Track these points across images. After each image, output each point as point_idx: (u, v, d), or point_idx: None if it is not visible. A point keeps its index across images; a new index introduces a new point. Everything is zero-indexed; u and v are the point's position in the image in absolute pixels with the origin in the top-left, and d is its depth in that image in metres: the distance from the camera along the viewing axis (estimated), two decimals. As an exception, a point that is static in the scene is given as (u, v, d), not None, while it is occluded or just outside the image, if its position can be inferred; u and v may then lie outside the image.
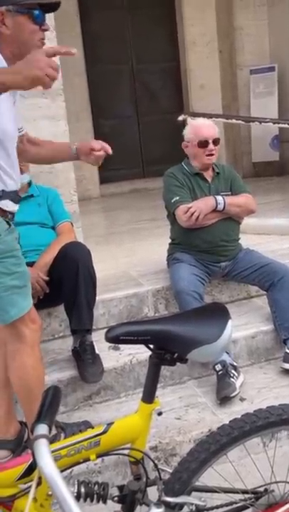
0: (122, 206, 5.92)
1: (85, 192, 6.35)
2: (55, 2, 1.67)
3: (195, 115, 4.61)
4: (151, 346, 1.32)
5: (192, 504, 1.30)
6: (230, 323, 1.33)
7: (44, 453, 0.89)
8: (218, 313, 1.36)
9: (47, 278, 2.35)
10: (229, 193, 2.81)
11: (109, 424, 1.35)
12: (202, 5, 6.65)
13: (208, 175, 2.82)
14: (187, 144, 2.81)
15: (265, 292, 2.78)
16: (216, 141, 2.73)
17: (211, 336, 1.28)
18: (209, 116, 4.17)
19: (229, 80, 7.07)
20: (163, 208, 2.88)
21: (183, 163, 2.86)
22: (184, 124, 3.09)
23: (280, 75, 6.73)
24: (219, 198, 2.69)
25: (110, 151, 1.91)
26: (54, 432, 1.96)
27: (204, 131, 2.73)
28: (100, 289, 2.52)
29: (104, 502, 1.28)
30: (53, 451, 1.19)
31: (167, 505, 1.25)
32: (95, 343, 2.41)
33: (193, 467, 1.33)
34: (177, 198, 2.70)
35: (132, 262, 3.41)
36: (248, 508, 1.41)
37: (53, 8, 1.70)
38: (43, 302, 2.37)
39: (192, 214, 2.60)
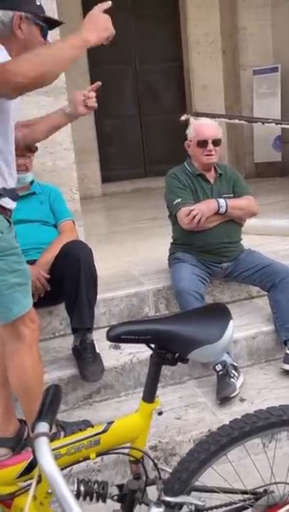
0: (124, 205, 5.92)
1: (87, 191, 6.35)
2: (60, 22, 1.80)
3: (198, 115, 4.61)
4: (153, 346, 1.32)
5: (191, 504, 1.30)
6: (231, 323, 1.33)
7: (45, 451, 0.89)
8: (219, 314, 1.36)
9: (48, 276, 2.35)
10: (231, 195, 2.80)
11: (110, 423, 1.35)
12: (206, 5, 6.65)
13: (211, 176, 2.81)
14: (189, 144, 2.81)
15: (266, 293, 2.77)
16: (216, 142, 2.72)
17: (213, 336, 1.28)
18: (212, 116, 4.18)
19: (232, 81, 7.07)
20: (164, 208, 2.88)
21: (185, 163, 2.86)
22: (186, 123, 3.09)
23: (283, 76, 6.72)
24: (221, 201, 2.69)
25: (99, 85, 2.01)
26: (54, 430, 1.97)
27: (205, 131, 2.73)
28: (101, 287, 2.52)
29: (104, 501, 1.28)
30: (53, 450, 1.19)
31: (167, 504, 1.25)
32: (95, 342, 2.41)
33: (193, 467, 1.33)
34: (179, 199, 2.69)
35: (133, 261, 3.41)
36: (247, 508, 1.41)
37: (55, 25, 1.79)
38: (44, 300, 2.37)
39: (194, 217, 2.60)
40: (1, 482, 1.27)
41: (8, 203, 1.71)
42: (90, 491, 1.26)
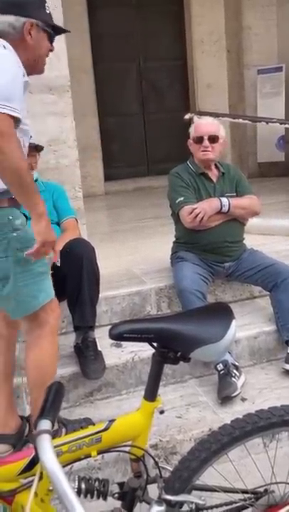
0: (126, 204, 5.92)
1: (90, 189, 6.36)
2: (66, 30, 1.92)
3: (201, 114, 4.60)
4: (155, 344, 1.32)
5: (192, 503, 1.31)
6: (234, 323, 1.33)
7: (47, 448, 0.89)
8: (222, 313, 1.36)
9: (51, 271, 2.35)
10: (234, 194, 2.80)
11: (111, 421, 1.35)
12: (210, 3, 6.64)
13: (213, 175, 2.81)
14: (191, 142, 2.81)
15: (268, 293, 2.77)
16: (212, 138, 2.71)
17: (215, 335, 1.28)
18: (216, 115, 4.17)
19: (236, 80, 7.06)
20: (167, 207, 2.88)
21: (188, 162, 2.86)
22: (190, 122, 3.10)
23: (287, 76, 6.71)
24: (224, 200, 2.68)
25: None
26: (56, 427, 1.98)
27: (201, 127, 2.74)
28: (103, 286, 2.53)
29: (105, 499, 1.28)
30: (54, 447, 1.20)
31: (167, 503, 1.25)
32: (97, 340, 2.42)
33: (194, 466, 1.33)
34: (182, 198, 2.69)
35: (135, 260, 3.41)
36: (247, 508, 1.41)
37: (60, 32, 1.89)
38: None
39: (196, 215, 2.60)
40: (3, 479, 1.27)
41: None
42: (90, 488, 1.26)
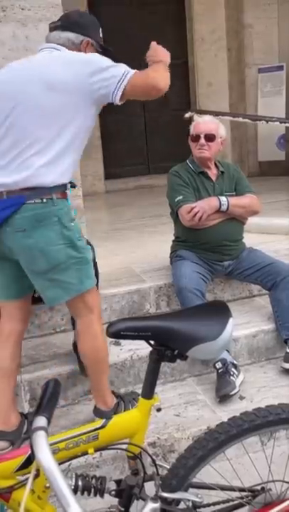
0: (127, 202, 5.92)
1: (90, 187, 6.36)
2: (111, 50, 2.11)
3: (202, 112, 4.60)
4: (152, 342, 1.32)
5: (188, 500, 1.31)
6: (231, 321, 1.33)
7: (42, 445, 0.90)
8: (219, 311, 1.37)
9: None
10: (233, 193, 2.80)
11: (109, 419, 1.36)
12: (211, 2, 6.63)
13: (213, 173, 2.81)
14: (190, 140, 2.82)
15: (267, 291, 2.77)
16: (208, 137, 2.71)
17: (212, 333, 1.28)
18: (216, 113, 4.17)
19: (237, 78, 7.05)
20: (167, 205, 2.88)
21: (188, 161, 2.86)
22: (190, 121, 3.10)
23: (288, 74, 6.71)
24: (223, 199, 2.68)
25: None
26: (115, 400, 2.15)
27: (199, 126, 2.74)
28: (103, 284, 2.53)
29: (102, 496, 1.28)
30: (51, 444, 1.20)
31: (164, 500, 1.25)
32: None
33: (191, 464, 1.33)
34: (181, 197, 2.69)
35: (135, 258, 3.41)
36: (244, 506, 1.41)
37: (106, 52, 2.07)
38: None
39: (195, 214, 2.60)
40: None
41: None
42: (88, 485, 1.27)
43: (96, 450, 1.34)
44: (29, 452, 1.25)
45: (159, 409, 1.38)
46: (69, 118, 1.82)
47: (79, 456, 1.34)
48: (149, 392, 1.36)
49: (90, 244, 2.44)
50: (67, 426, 2.15)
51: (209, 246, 2.72)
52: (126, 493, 1.32)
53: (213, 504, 1.41)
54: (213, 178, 2.80)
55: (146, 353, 2.36)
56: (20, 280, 1.98)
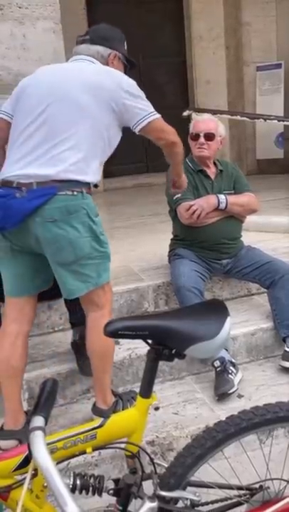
0: (125, 201, 5.91)
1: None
2: (135, 64, 2.28)
3: (200, 111, 4.60)
4: (150, 341, 1.32)
5: (186, 499, 1.31)
6: (228, 320, 1.33)
7: (39, 444, 0.90)
8: (217, 310, 1.37)
9: None
10: (232, 191, 2.80)
11: (107, 418, 1.36)
12: (210, 0, 6.61)
13: (211, 172, 2.81)
14: (189, 138, 2.82)
15: (265, 290, 2.78)
16: (208, 136, 2.71)
17: (210, 332, 1.28)
18: (214, 112, 4.17)
19: (235, 76, 7.03)
20: (166, 204, 2.88)
21: (186, 159, 2.85)
22: (188, 119, 3.10)
23: (286, 73, 6.70)
24: (221, 197, 2.69)
25: None
26: (114, 399, 2.15)
27: (199, 125, 2.75)
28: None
29: (100, 495, 1.29)
30: (49, 444, 1.21)
31: (162, 499, 1.25)
32: (94, 337, 2.41)
33: (189, 462, 1.33)
34: (179, 195, 2.69)
35: (133, 257, 3.41)
36: (242, 504, 1.42)
37: (132, 66, 2.26)
38: (44, 295, 2.37)
39: (194, 212, 2.60)
40: (-2, 475, 1.27)
41: None
42: (86, 484, 1.27)
43: (94, 449, 1.34)
44: (27, 452, 1.25)
45: (156, 408, 1.39)
46: (102, 122, 1.92)
47: (77, 456, 1.34)
48: (147, 391, 1.36)
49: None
50: (66, 425, 2.15)
51: (207, 244, 2.73)
52: (124, 492, 1.32)
53: (212, 502, 1.41)
54: (212, 177, 2.80)
55: (144, 352, 2.34)
56: (40, 274, 2.01)
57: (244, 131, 7.06)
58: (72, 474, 1.27)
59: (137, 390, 1.40)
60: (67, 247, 1.85)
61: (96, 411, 2.11)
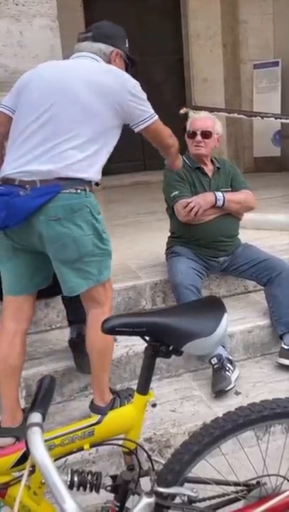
0: (123, 199, 5.91)
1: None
2: (136, 61, 2.25)
3: (197, 108, 4.60)
4: (147, 338, 1.32)
5: (184, 495, 1.31)
6: (226, 316, 1.34)
7: (37, 441, 0.90)
8: (214, 307, 1.37)
9: None
10: (229, 188, 2.80)
11: (104, 415, 1.36)
12: (207, -3, 6.60)
13: (209, 169, 2.81)
14: (186, 136, 2.82)
15: (262, 287, 2.78)
16: (205, 134, 2.72)
17: (207, 329, 1.29)
18: (211, 110, 4.16)
19: (232, 74, 7.03)
20: (163, 201, 2.88)
21: (184, 157, 2.84)
22: (186, 117, 3.09)
23: (283, 70, 6.70)
24: (219, 194, 2.69)
25: None
26: (111, 396, 2.15)
27: (196, 123, 2.75)
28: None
29: (97, 491, 1.29)
30: (46, 440, 1.21)
31: (159, 495, 1.26)
32: (91, 335, 2.42)
33: (186, 459, 1.34)
34: (176, 192, 2.70)
35: (130, 255, 3.41)
36: (239, 500, 1.42)
37: (133, 64, 2.24)
38: (42, 293, 2.37)
39: (191, 209, 2.60)
40: (-5, 472, 1.27)
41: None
42: (83, 481, 1.27)
43: (92, 446, 1.34)
44: (24, 449, 1.25)
45: (154, 405, 1.39)
46: (105, 122, 1.92)
47: (75, 452, 1.34)
48: (144, 388, 1.36)
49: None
50: (63, 422, 2.15)
51: (205, 242, 2.73)
52: (121, 489, 1.32)
53: (209, 499, 1.42)
54: (209, 174, 2.80)
55: (142, 349, 2.34)
56: (39, 272, 2.01)
57: (241, 129, 7.06)
58: (69, 471, 1.27)
59: (135, 387, 1.41)
60: (71, 245, 1.85)
61: (94, 408, 2.11)
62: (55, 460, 1.23)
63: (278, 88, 6.69)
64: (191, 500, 1.35)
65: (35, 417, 0.96)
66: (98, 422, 1.34)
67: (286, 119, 4.98)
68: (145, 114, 2.01)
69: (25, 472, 1.04)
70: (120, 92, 1.93)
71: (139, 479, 1.34)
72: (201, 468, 1.40)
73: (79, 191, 1.85)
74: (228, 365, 2.40)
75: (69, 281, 1.94)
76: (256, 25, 6.85)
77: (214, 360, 2.41)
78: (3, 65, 2.73)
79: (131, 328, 1.29)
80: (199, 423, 2.14)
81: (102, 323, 1.30)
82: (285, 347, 2.56)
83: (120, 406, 2.11)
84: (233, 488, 1.43)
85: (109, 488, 1.33)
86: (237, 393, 2.38)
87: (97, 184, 1.98)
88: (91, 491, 1.29)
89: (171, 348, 1.31)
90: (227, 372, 2.37)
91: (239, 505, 1.42)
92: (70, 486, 1.25)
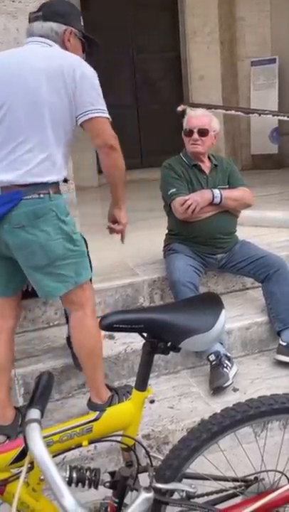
0: (120, 196, 5.89)
1: (83, 181, 6.32)
2: (97, 41, 2.08)
3: (194, 106, 4.59)
4: (145, 335, 1.32)
5: (182, 491, 1.32)
6: (223, 312, 1.34)
7: (36, 437, 0.90)
8: (211, 303, 1.37)
9: None
10: (226, 186, 2.80)
11: (102, 411, 1.36)
12: (204, -6, 6.59)
13: (206, 167, 2.81)
14: (183, 134, 2.82)
15: (260, 284, 2.79)
16: (201, 132, 2.71)
17: (204, 325, 1.29)
18: (208, 107, 4.16)
19: (230, 71, 7.03)
20: (160, 199, 2.88)
21: (181, 154, 2.86)
22: (183, 114, 3.09)
23: (280, 67, 6.70)
24: (216, 191, 2.69)
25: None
26: (109, 394, 2.15)
27: (192, 121, 2.74)
28: (96, 278, 2.51)
29: (96, 487, 1.29)
30: (45, 437, 1.21)
31: (158, 491, 1.26)
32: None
33: (184, 455, 1.34)
34: (174, 189, 2.70)
35: (128, 252, 3.40)
36: (237, 495, 1.43)
37: (91, 43, 2.07)
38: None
39: (188, 206, 2.60)
40: (-6, 469, 1.27)
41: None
42: (82, 477, 1.27)
43: (90, 442, 1.34)
44: (23, 445, 1.25)
45: (152, 401, 1.39)
46: (60, 113, 1.82)
47: (73, 449, 1.34)
48: (142, 384, 1.36)
49: (84, 238, 2.44)
50: (62, 419, 2.15)
51: (202, 239, 2.73)
52: (120, 485, 1.32)
53: (207, 494, 1.42)
54: (207, 171, 2.80)
55: (140, 346, 2.34)
56: (14, 277, 1.99)
57: (239, 126, 7.06)
58: (68, 467, 1.27)
59: (133, 384, 1.41)
60: (38, 251, 1.82)
61: (91, 406, 2.11)
62: (54, 457, 1.23)
63: (275, 85, 6.69)
64: (189, 496, 1.35)
65: (34, 413, 0.96)
66: (96, 419, 1.34)
67: (283, 116, 4.97)
68: (90, 106, 1.83)
69: (24, 469, 1.04)
70: (70, 76, 1.79)
71: (138, 475, 1.34)
72: (199, 464, 1.40)
73: (42, 196, 1.80)
74: (226, 361, 2.41)
75: (45, 286, 1.91)
76: (253, 22, 6.84)
77: (212, 357, 2.41)
78: (0, 62, 2.71)
79: (129, 325, 1.29)
80: (197, 420, 2.14)
81: (100, 319, 1.31)
82: (283, 343, 2.56)
83: (118, 403, 2.11)
84: (231, 484, 1.43)
85: (107, 484, 1.33)
86: (235, 390, 2.38)
87: (65, 181, 1.93)
88: (90, 487, 1.29)
89: (169, 344, 1.31)
90: (225, 369, 2.37)
91: (237, 500, 1.43)
92: (69, 483, 1.25)
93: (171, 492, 1.33)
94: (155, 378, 2.48)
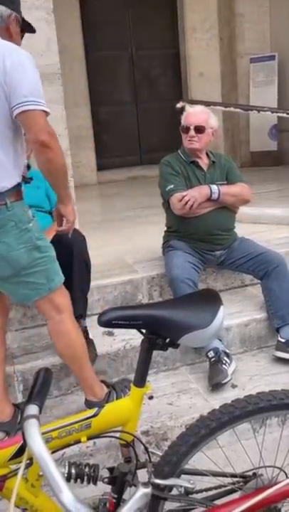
0: (119, 193, 5.90)
1: (82, 178, 6.33)
2: (33, 30, 1.98)
3: (193, 102, 4.59)
4: (143, 331, 1.32)
5: (181, 486, 1.32)
6: (222, 308, 1.34)
7: (34, 433, 0.90)
8: (210, 299, 1.37)
9: None
10: (225, 182, 2.80)
11: (101, 407, 1.37)
12: (203, -9, 6.58)
13: (204, 163, 2.81)
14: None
15: (259, 281, 2.79)
16: (198, 128, 2.71)
17: (203, 321, 1.29)
18: (207, 103, 4.16)
19: (229, 68, 7.02)
20: (159, 196, 2.88)
21: (179, 151, 2.85)
22: (182, 111, 3.09)
23: (280, 64, 6.68)
24: (214, 187, 2.69)
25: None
26: (106, 390, 2.14)
27: (189, 117, 2.74)
28: (95, 275, 2.53)
29: (95, 483, 1.29)
30: (44, 433, 1.21)
31: (156, 486, 1.26)
32: (89, 329, 2.42)
33: (183, 451, 1.34)
34: (172, 186, 2.69)
35: (127, 249, 3.41)
36: (236, 491, 1.43)
37: (27, 31, 1.96)
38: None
39: (186, 202, 2.60)
40: (-7, 465, 1.28)
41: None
42: (81, 473, 1.27)
43: (89, 438, 1.34)
44: (22, 441, 1.25)
45: (151, 397, 1.39)
46: (2, 109, 1.68)
47: (72, 445, 1.35)
48: (141, 381, 1.37)
49: (82, 235, 2.44)
50: (61, 416, 2.15)
51: (201, 235, 2.73)
52: (119, 480, 1.33)
53: (206, 490, 1.43)
54: (204, 168, 2.80)
55: (139, 343, 2.36)
56: None
57: (238, 123, 7.05)
58: (67, 463, 1.28)
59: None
60: (1, 263, 1.77)
61: (88, 404, 2.10)
62: (53, 453, 1.23)
63: (275, 82, 6.68)
64: (187, 492, 1.35)
65: (32, 409, 0.96)
66: (95, 415, 1.34)
67: (283, 113, 4.97)
68: (23, 98, 1.65)
69: (23, 464, 1.04)
70: (3, 63, 1.64)
71: (136, 471, 1.35)
72: (198, 460, 1.41)
73: None
74: (225, 358, 2.41)
75: (17, 294, 1.89)
76: (253, 19, 6.82)
77: (211, 354, 2.42)
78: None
79: (127, 321, 1.29)
80: (196, 416, 2.15)
81: (99, 315, 1.31)
82: (282, 340, 2.57)
83: (116, 399, 2.11)
84: (229, 480, 1.44)
85: (106, 480, 1.34)
86: (233, 386, 2.38)
87: (23, 178, 1.83)
88: (88, 483, 1.29)
89: (167, 340, 1.32)
90: (224, 366, 2.38)
91: (236, 496, 1.43)
92: (68, 479, 1.26)
93: (170, 488, 1.33)
94: (154, 375, 2.48)
